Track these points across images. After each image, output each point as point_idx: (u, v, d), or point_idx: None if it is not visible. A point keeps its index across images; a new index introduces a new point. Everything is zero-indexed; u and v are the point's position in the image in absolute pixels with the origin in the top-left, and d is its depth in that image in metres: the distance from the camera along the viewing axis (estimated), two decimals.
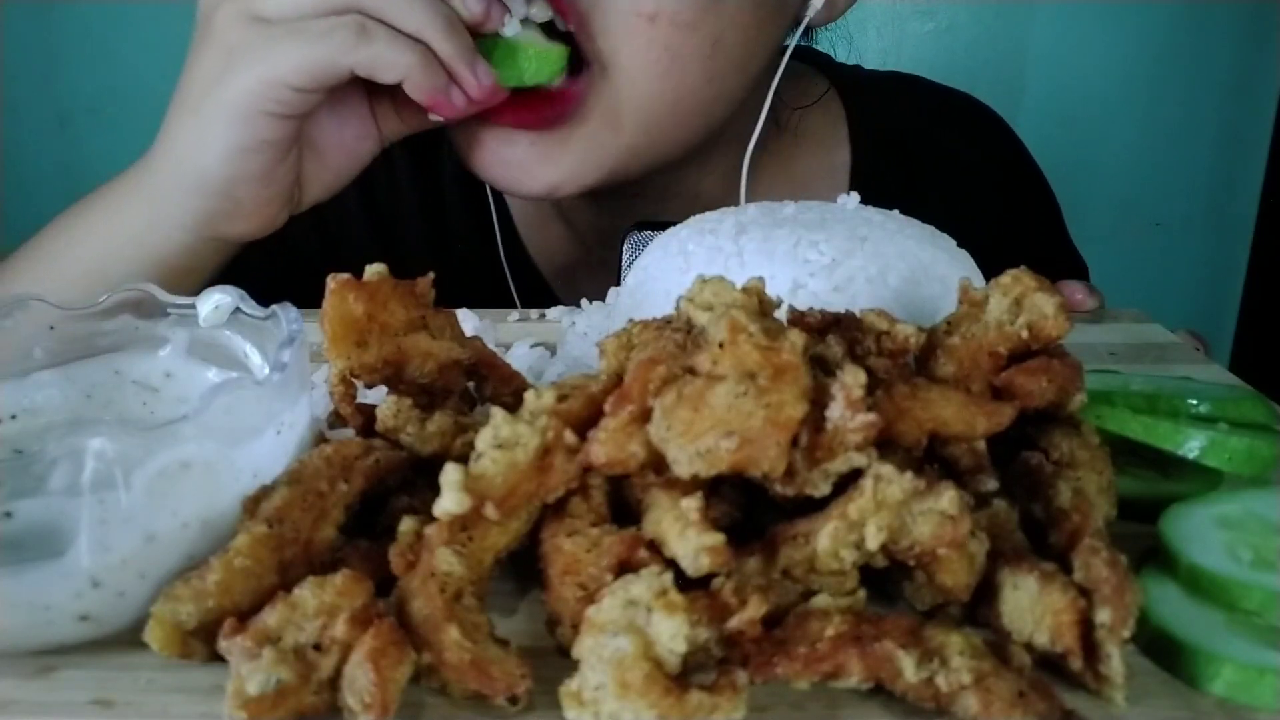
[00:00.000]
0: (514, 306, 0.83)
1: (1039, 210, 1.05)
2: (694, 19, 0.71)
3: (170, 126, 0.70)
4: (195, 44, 0.68)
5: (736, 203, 0.81)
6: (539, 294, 0.95)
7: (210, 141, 0.67)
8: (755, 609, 0.35)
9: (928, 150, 0.99)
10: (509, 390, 0.50)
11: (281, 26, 0.65)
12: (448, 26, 0.66)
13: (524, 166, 0.76)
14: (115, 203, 0.73)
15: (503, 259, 0.94)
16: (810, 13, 0.81)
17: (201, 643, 0.36)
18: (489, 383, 0.50)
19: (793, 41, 0.83)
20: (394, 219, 0.97)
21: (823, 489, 0.38)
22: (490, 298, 0.92)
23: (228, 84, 0.66)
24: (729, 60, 0.76)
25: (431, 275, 0.49)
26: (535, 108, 0.73)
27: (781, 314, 0.45)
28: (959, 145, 1.02)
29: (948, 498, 0.36)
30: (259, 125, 0.67)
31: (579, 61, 0.74)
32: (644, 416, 0.38)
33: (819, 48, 0.97)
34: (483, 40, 0.69)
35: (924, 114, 1.03)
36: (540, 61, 0.71)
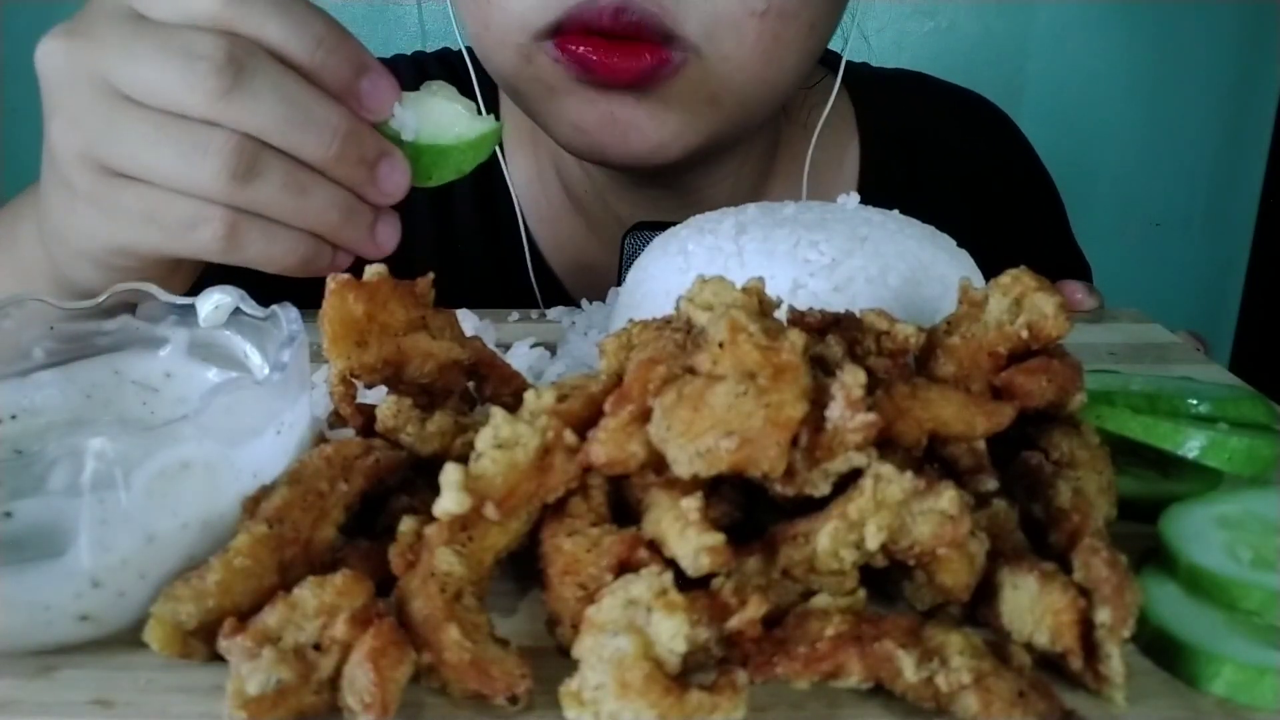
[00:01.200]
0: (531, 302, 0.83)
1: (1044, 209, 1.06)
2: (797, 7, 0.72)
3: (42, 222, 0.62)
4: (44, 157, 0.60)
5: (759, 198, 0.82)
6: (551, 289, 0.95)
7: (84, 273, 0.60)
8: (755, 609, 0.35)
9: (935, 147, 1.00)
10: (509, 390, 0.50)
11: (131, 196, 0.55)
12: (343, 217, 0.57)
13: (634, 124, 0.75)
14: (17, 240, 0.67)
15: (526, 254, 0.94)
16: None
17: (201, 643, 0.36)
18: (489, 383, 0.50)
19: (848, 38, 0.84)
20: (404, 215, 0.97)
21: (823, 489, 0.38)
22: (502, 293, 0.92)
23: (85, 234, 0.58)
24: (820, 41, 0.78)
25: (431, 275, 0.49)
26: (628, 53, 0.71)
27: (781, 314, 0.45)
28: (966, 143, 1.02)
29: (948, 498, 0.36)
30: (138, 271, 0.58)
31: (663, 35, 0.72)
32: (644, 416, 0.38)
33: (834, 46, 0.97)
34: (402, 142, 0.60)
35: (932, 111, 1.03)
36: (475, 149, 0.62)
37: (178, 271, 0.63)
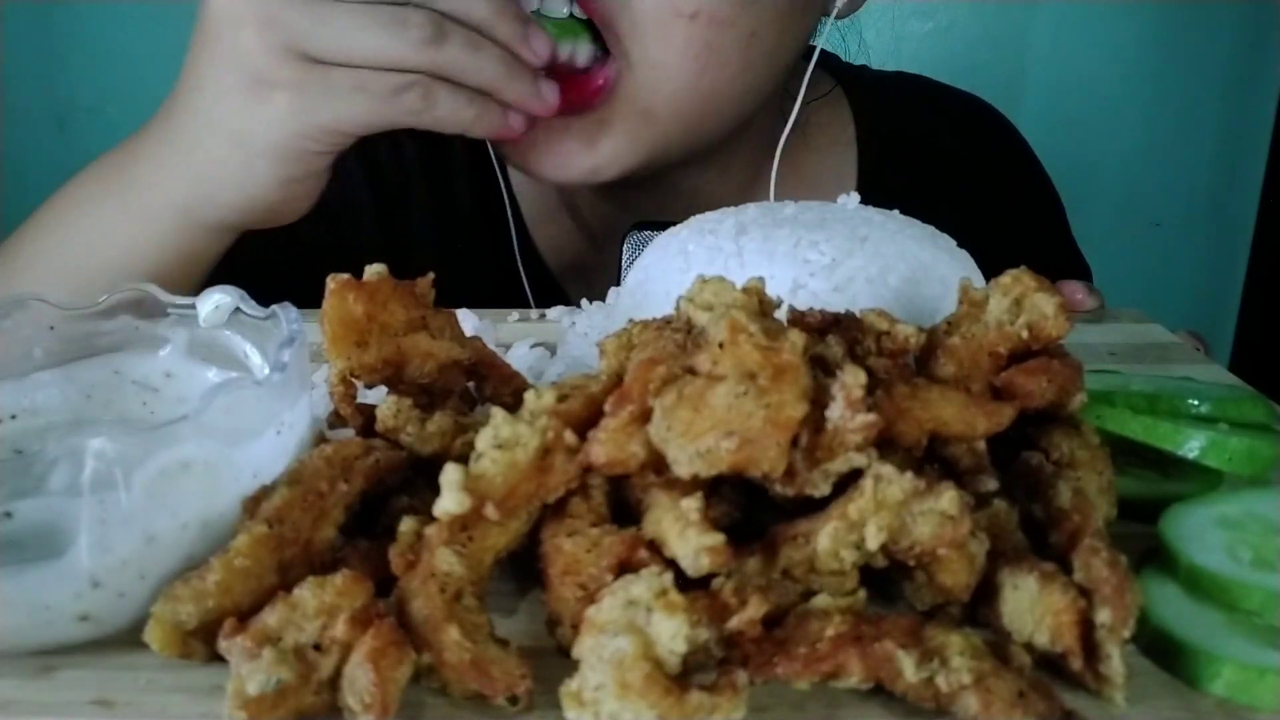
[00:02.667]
0: (525, 302, 0.83)
1: (1044, 213, 1.05)
2: (732, 14, 0.72)
3: (193, 148, 0.68)
4: (206, 56, 0.66)
5: (751, 199, 0.82)
6: (548, 290, 0.95)
7: (257, 175, 0.67)
8: (755, 609, 0.35)
9: (934, 152, 0.99)
10: (509, 390, 0.50)
11: (341, 75, 0.63)
12: (508, 72, 0.66)
13: (568, 153, 0.76)
14: (126, 205, 0.71)
15: (516, 254, 0.94)
16: (837, 4, 0.81)
17: (201, 643, 0.36)
18: (489, 383, 0.50)
19: (821, 39, 0.84)
20: (403, 213, 0.97)
21: (823, 489, 0.38)
22: (498, 293, 0.92)
23: (277, 123, 0.65)
24: (762, 53, 0.77)
25: (431, 275, 0.49)
26: (566, 88, 0.73)
27: (781, 314, 0.45)
28: (965, 147, 1.02)
29: (948, 498, 0.36)
30: (310, 161, 0.67)
31: (604, 51, 0.74)
32: (644, 416, 0.38)
33: (828, 46, 0.97)
34: None
35: (930, 115, 1.03)
36: (562, 29, 0.72)
37: (323, 178, 0.71)
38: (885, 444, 0.40)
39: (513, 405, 0.42)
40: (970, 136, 1.04)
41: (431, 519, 0.37)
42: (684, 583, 0.35)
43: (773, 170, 0.84)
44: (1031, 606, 0.37)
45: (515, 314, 0.75)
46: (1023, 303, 0.45)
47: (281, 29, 0.62)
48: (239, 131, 0.66)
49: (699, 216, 0.64)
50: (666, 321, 0.44)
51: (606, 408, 0.39)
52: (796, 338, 0.37)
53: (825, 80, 0.98)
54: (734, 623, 0.35)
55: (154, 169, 0.70)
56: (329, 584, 0.36)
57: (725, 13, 0.71)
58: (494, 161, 0.93)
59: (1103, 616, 0.35)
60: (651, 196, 0.89)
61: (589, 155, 0.77)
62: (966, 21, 1.87)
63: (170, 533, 0.38)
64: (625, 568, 0.37)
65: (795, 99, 0.90)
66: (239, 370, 0.50)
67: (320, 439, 0.46)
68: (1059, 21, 1.86)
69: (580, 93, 0.74)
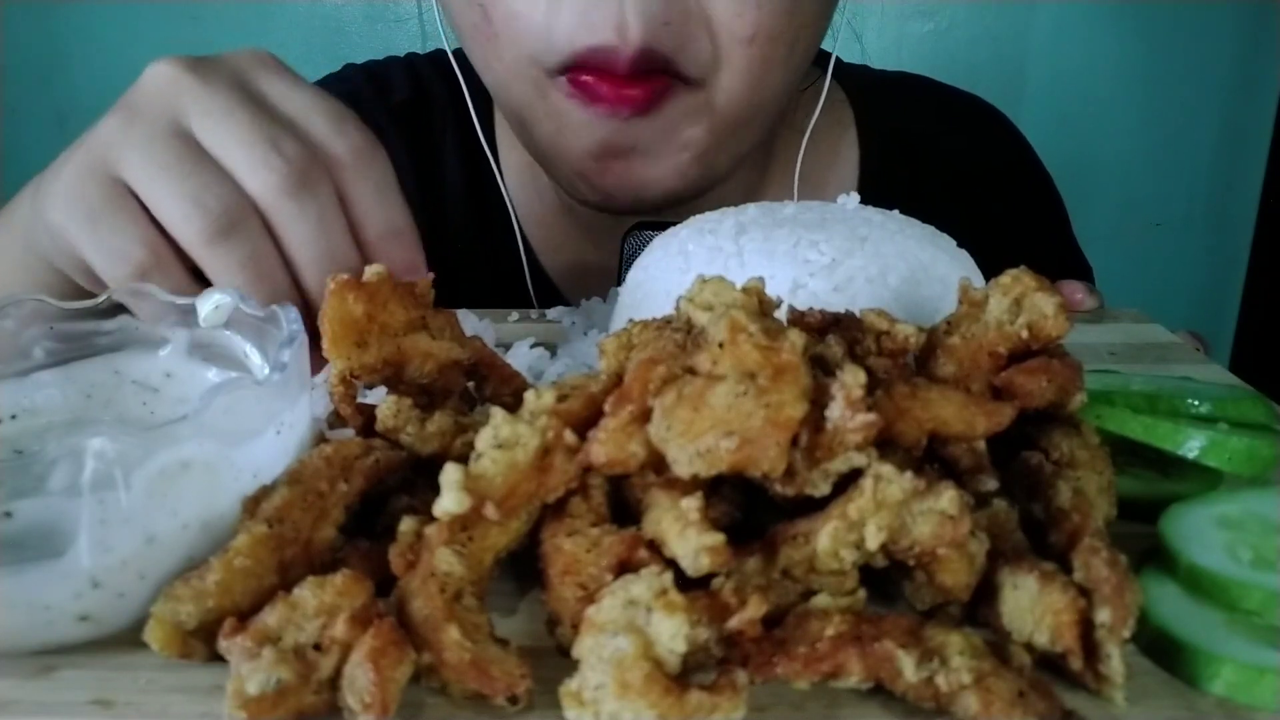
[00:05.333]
0: (527, 304, 0.83)
1: (1045, 212, 1.06)
2: (782, 26, 0.73)
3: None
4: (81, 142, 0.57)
5: (755, 199, 0.83)
6: (548, 290, 0.95)
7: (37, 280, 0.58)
8: (755, 609, 0.35)
9: (935, 151, 1.00)
10: (509, 390, 0.50)
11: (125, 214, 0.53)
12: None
13: (630, 168, 0.77)
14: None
15: (522, 255, 0.94)
16: None
17: (201, 643, 0.36)
18: (489, 383, 0.50)
19: (837, 40, 0.85)
20: None
21: (823, 489, 0.38)
22: (496, 295, 0.92)
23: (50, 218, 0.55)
24: (803, 58, 0.79)
25: (431, 276, 0.49)
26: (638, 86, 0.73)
27: (781, 314, 0.45)
28: (966, 146, 1.02)
29: (948, 498, 0.36)
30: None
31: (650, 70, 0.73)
32: (644, 416, 0.38)
33: (825, 46, 0.97)
34: None
35: (931, 115, 1.03)
36: None
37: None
38: (885, 444, 0.40)
39: (513, 405, 0.42)
40: (972, 135, 1.04)
41: (431, 519, 0.37)
42: (684, 582, 0.35)
43: (796, 165, 0.86)
44: (1031, 606, 0.37)
45: (515, 314, 0.76)
46: (1022, 302, 0.45)
47: (122, 140, 0.53)
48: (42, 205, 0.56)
49: (699, 216, 0.64)
50: (666, 321, 0.44)
51: (606, 407, 0.39)
52: (796, 337, 0.37)
53: (822, 78, 0.98)
54: (734, 622, 0.35)
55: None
56: (329, 584, 0.36)
57: (778, 28, 0.73)
58: (491, 163, 0.93)
59: (1103, 616, 0.35)
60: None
61: (661, 181, 0.78)
62: (966, 22, 1.87)
63: (170, 533, 0.38)
64: (625, 567, 0.37)
65: (796, 99, 0.90)
66: (239, 370, 0.50)
67: (320, 439, 0.46)
68: (1059, 22, 1.86)
69: (646, 91, 0.73)
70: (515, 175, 0.95)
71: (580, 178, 0.79)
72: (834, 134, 0.96)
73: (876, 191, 0.92)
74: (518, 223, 0.94)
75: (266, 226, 0.53)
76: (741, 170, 0.91)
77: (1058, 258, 1.03)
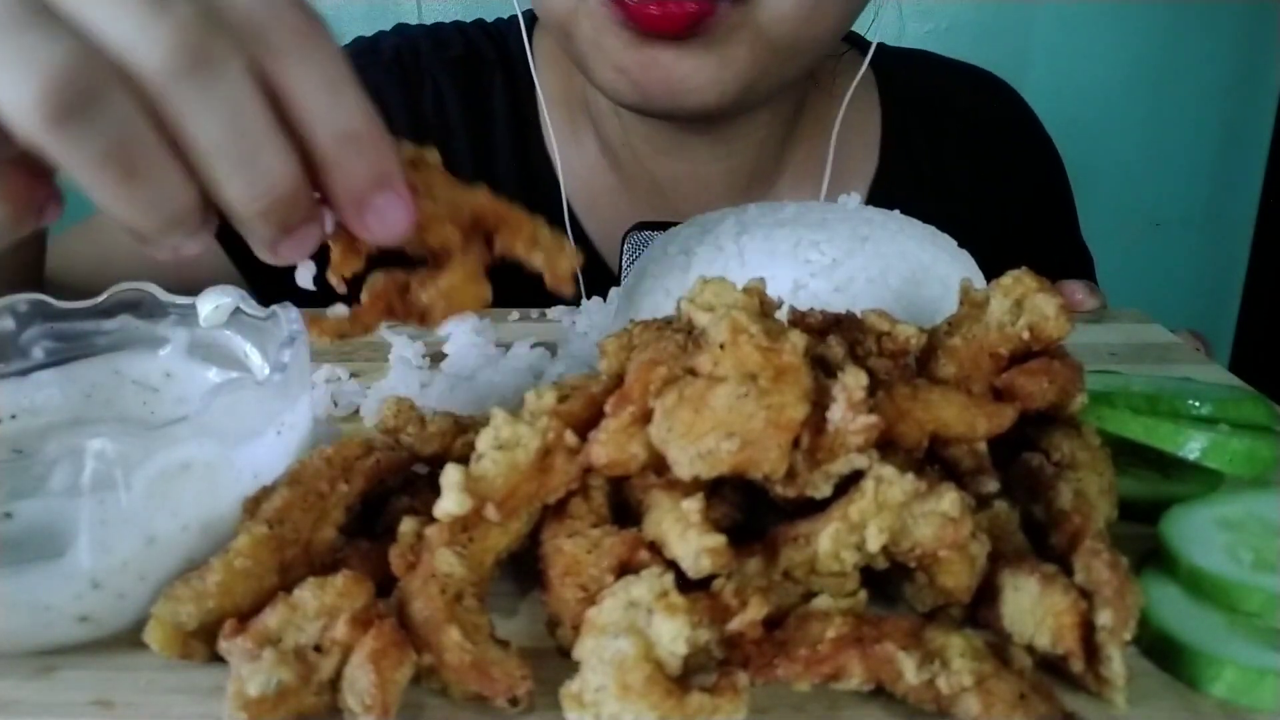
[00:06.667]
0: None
1: (1050, 175, 1.10)
2: None
3: None
4: None
5: (781, 159, 0.90)
6: (586, 253, 0.96)
7: None
8: (756, 610, 0.35)
9: (953, 112, 1.03)
10: (519, 239, 0.43)
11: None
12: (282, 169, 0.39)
13: (675, 70, 0.77)
14: None
15: (565, 218, 0.95)
16: None
17: (202, 643, 0.36)
18: (499, 237, 0.43)
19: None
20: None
21: (824, 490, 0.37)
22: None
23: None
24: (858, 6, 0.81)
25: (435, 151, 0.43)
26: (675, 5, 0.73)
27: (782, 315, 0.45)
28: (980, 107, 1.06)
29: (949, 499, 0.36)
30: None
31: None
32: (645, 417, 0.38)
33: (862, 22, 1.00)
34: None
35: (949, 81, 1.07)
36: None
37: None
38: (886, 445, 0.40)
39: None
40: (984, 98, 1.08)
41: (432, 520, 0.37)
42: (685, 584, 0.35)
43: (834, 130, 0.89)
44: (1032, 608, 0.37)
45: (515, 313, 0.76)
46: (1023, 303, 0.45)
47: None
48: None
49: (699, 216, 0.64)
50: (667, 322, 0.44)
51: (607, 408, 0.39)
52: (797, 338, 0.37)
53: (853, 51, 1.02)
54: (735, 624, 0.35)
55: None
56: (329, 585, 0.36)
57: None
58: (541, 118, 0.94)
59: (1104, 618, 0.35)
60: (698, 143, 0.91)
61: (696, 75, 0.77)
62: (967, 22, 1.87)
63: (170, 533, 0.38)
64: (626, 569, 0.37)
65: (830, 64, 0.95)
66: (239, 370, 0.50)
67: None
68: (1060, 22, 1.86)
69: (684, 9, 0.73)
70: (560, 135, 0.97)
71: (621, 74, 0.79)
72: (857, 94, 1.00)
73: (897, 146, 0.96)
74: (563, 184, 0.95)
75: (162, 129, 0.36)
76: (775, 124, 0.93)
77: (1061, 221, 1.07)
